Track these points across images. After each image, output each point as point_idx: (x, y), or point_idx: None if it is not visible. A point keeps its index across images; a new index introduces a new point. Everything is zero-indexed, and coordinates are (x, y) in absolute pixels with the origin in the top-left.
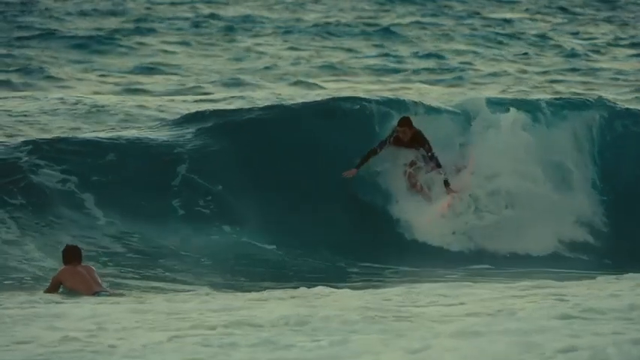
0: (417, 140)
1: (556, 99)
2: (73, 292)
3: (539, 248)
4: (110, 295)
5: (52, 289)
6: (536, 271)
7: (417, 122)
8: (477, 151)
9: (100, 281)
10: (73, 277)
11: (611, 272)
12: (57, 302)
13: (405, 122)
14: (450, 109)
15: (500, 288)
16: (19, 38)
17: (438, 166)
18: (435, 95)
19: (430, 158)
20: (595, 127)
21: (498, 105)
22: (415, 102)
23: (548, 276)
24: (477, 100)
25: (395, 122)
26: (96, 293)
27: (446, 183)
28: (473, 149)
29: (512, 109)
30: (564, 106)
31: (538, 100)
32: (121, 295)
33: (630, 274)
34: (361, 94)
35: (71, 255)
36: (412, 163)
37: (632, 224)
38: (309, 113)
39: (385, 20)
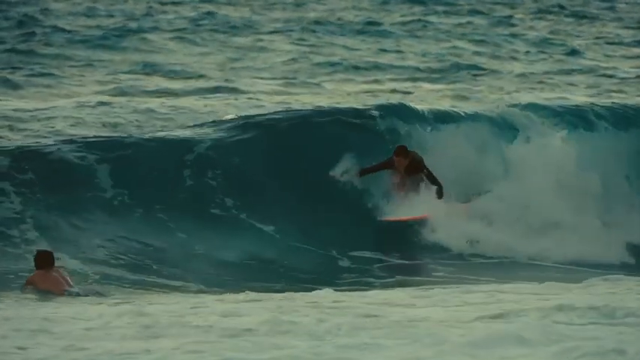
0: (415, 167)
1: (606, 107)
2: (46, 293)
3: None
4: (82, 294)
5: (24, 290)
6: (520, 264)
7: (457, 133)
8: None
9: (71, 282)
10: (44, 281)
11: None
12: (47, 302)
13: (400, 152)
14: (494, 116)
15: (494, 290)
16: (22, 34)
17: (439, 186)
18: (439, 95)
19: (431, 182)
20: None
21: (538, 110)
22: (458, 111)
23: (533, 276)
24: (518, 113)
25: (436, 130)
26: (65, 291)
27: (439, 192)
28: (469, 205)
29: (563, 132)
30: (618, 117)
31: (579, 107)
32: (98, 294)
33: (612, 276)
34: (393, 101)
35: (43, 260)
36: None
37: None
38: (336, 119)
39: (387, 19)
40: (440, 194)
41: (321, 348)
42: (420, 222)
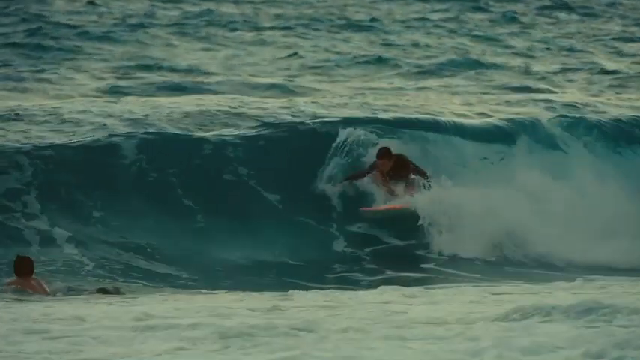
0: (400, 167)
1: None
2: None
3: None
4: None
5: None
6: (504, 260)
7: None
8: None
9: (48, 290)
10: (23, 287)
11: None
12: (44, 302)
13: (384, 154)
14: (533, 131)
15: (491, 291)
16: (26, 31)
17: (427, 177)
18: (444, 92)
19: (424, 177)
20: None
21: (577, 126)
22: (499, 125)
23: (517, 272)
24: (560, 132)
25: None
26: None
27: (427, 178)
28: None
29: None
30: None
31: (620, 120)
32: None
33: (594, 276)
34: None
35: (22, 267)
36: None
37: None
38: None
39: (389, 16)
40: (427, 179)
41: (323, 349)
42: (414, 211)
